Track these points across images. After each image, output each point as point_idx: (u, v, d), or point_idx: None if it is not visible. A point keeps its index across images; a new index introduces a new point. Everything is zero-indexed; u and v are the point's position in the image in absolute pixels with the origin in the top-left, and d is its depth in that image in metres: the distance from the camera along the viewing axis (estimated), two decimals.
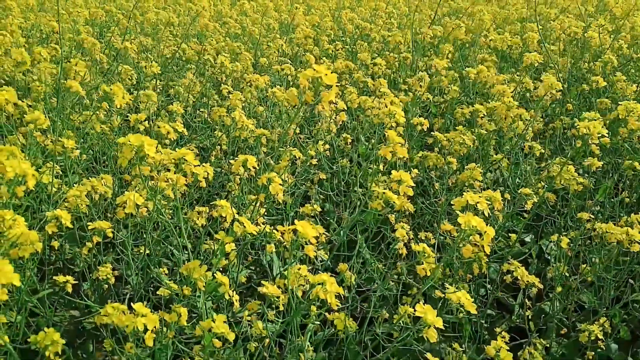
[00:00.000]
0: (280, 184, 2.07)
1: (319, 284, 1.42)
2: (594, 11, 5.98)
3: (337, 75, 4.49)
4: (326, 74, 1.91)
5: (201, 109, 3.90)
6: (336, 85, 1.81)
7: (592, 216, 2.36)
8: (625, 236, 1.92)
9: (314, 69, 1.92)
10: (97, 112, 2.62)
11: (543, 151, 2.83)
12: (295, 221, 1.46)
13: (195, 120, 3.85)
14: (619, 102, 2.31)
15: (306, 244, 1.44)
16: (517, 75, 3.44)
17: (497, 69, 4.12)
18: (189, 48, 4.84)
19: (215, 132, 3.50)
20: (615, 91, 3.50)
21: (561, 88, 2.50)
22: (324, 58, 4.83)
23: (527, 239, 3.20)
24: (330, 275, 1.49)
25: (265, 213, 2.86)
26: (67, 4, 7.26)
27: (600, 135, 1.88)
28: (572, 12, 5.89)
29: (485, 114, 2.62)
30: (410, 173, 2.27)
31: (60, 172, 2.75)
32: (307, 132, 3.61)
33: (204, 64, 4.34)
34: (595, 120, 1.96)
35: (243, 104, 3.64)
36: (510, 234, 2.58)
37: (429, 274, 1.72)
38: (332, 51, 5.02)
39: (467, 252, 1.32)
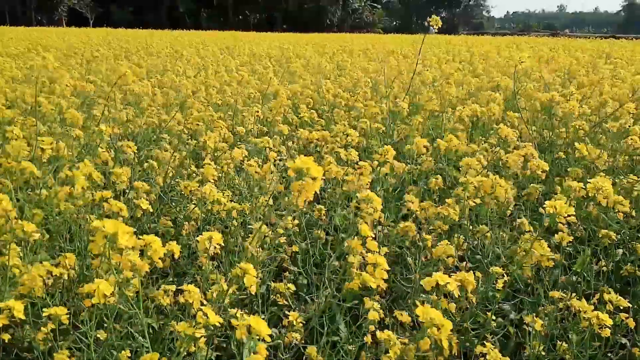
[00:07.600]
0: (254, 276, 1.95)
1: None
2: (561, 81, 6.20)
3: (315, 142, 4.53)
4: (312, 167, 1.80)
5: (177, 179, 3.85)
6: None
7: (565, 295, 2.30)
8: (595, 320, 1.86)
9: (302, 161, 1.82)
10: (60, 190, 2.56)
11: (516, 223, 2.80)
12: (251, 317, 1.39)
13: (169, 193, 3.81)
14: (588, 180, 2.30)
15: (260, 340, 1.36)
16: (485, 143, 3.49)
17: (468, 137, 4.18)
18: (172, 119, 4.84)
19: (189, 205, 3.44)
20: (586, 159, 3.55)
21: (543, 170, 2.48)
22: (300, 128, 4.87)
23: (512, 314, 3.10)
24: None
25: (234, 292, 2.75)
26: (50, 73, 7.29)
27: (567, 215, 1.86)
28: (539, 82, 6.09)
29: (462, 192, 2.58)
30: (380, 250, 2.23)
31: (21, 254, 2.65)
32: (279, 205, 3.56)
33: (179, 137, 4.33)
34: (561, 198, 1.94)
35: (220, 174, 3.60)
36: (487, 311, 2.49)
37: None
38: (309, 120, 5.07)
39: (425, 345, 1.26)
